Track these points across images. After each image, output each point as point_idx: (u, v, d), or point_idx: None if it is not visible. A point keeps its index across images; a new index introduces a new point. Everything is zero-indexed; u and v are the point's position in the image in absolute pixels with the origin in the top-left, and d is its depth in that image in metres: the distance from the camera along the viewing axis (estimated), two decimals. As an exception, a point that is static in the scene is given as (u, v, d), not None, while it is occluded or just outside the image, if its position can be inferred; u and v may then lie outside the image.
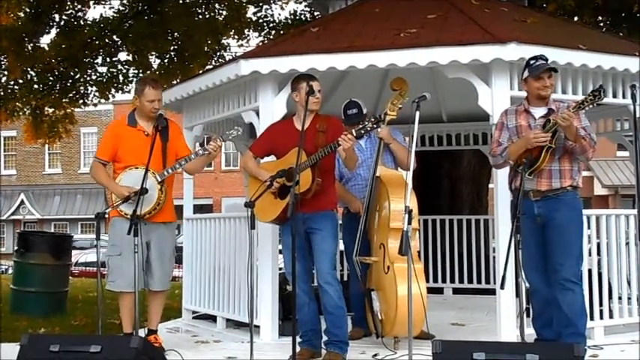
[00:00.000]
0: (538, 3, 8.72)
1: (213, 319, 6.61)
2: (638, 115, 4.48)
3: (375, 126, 4.74)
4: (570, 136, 4.56)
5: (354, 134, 4.70)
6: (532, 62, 4.76)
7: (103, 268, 5.30)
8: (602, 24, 10.50)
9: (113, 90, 12.21)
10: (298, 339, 4.89)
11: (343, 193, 5.75)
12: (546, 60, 4.78)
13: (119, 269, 5.13)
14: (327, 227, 4.98)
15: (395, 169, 5.67)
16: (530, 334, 4.84)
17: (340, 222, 5.65)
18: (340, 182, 5.75)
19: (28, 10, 10.83)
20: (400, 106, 5.51)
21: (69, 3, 11.51)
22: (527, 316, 4.79)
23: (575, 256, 4.74)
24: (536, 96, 4.77)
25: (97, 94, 12.15)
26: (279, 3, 12.95)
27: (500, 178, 5.38)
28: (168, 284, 5.44)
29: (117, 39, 11.99)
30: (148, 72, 12.09)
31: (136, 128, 5.30)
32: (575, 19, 9.74)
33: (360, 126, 4.72)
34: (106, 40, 11.93)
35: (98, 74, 12.10)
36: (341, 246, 6.17)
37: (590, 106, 4.49)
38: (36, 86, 11.56)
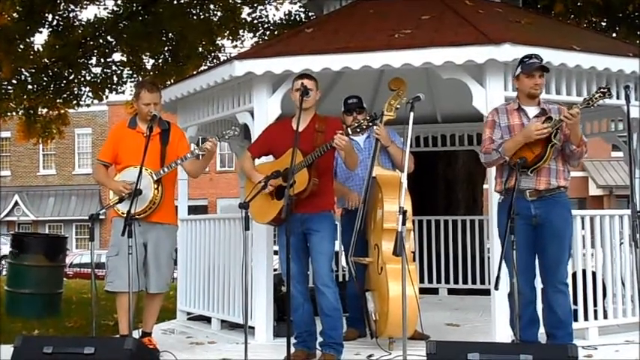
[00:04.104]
0: (542, 3, 8.70)
1: (207, 320, 6.60)
2: (632, 116, 4.50)
3: (370, 124, 4.72)
4: (575, 139, 4.58)
5: (349, 131, 4.70)
6: (526, 60, 4.79)
7: (97, 270, 5.30)
8: (597, 24, 10.48)
9: (107, 91, 12.17)
10: (293, 340, 4.89)
11: (340, 187, 5.72)
12: (541, 60, 4.80)
13: (116, 270, 5.11)
14: (325, 228, 4.97)
15: (393, 170, 5.66)
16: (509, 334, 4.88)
17: (337, 222, 5.63)
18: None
19: (20, 9, 10.78)
20: (398, 106, 5.46)
21: (62, 3, 11.46)
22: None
23: (567, 257, 4.79)
24: (528, 94, 4.78)
25: (90, 94, 12.11)
26: (274, 4, 12.93)
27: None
28: (166, 287, 5.40)
29: (111, 39, 11.94)
30: (142, 73, 12.06)
31: (135, 130, 5.34)
32: (572, 17, 9.72)
33: (356, 124, 4.71)
34: (100, 41, 11.89)
35: (92, 75, 12.06)
36: (337, 246, 6.16)
37: (598, 103, 4.50)
38: (30, 86, 11.52)
